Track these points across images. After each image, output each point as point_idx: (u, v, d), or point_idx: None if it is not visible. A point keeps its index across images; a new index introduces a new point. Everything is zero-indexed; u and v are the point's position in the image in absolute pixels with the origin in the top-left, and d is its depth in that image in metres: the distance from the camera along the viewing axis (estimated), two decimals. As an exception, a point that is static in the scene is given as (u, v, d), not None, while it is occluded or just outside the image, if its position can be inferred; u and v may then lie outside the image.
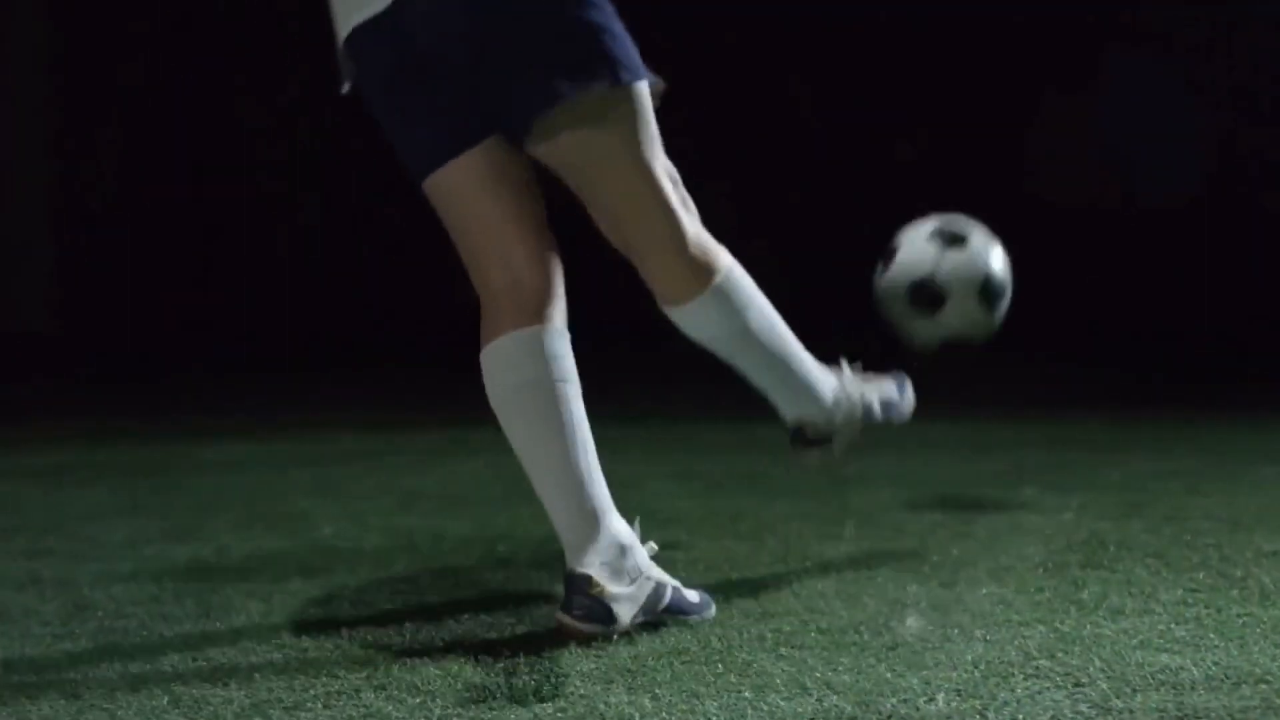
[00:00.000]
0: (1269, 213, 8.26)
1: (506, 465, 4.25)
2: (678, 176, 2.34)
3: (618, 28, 2.22)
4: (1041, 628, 2.18)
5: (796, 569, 2.68)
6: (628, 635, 2.21)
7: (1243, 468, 3.86)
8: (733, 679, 1.96)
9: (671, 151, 2.32)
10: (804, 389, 2.53)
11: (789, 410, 2.56)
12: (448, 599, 2.52)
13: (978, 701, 1.83)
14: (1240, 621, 2.18)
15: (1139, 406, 5.34)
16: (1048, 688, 1.89)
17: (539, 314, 2.27)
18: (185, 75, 9.71)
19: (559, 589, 2.55)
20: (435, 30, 2.19)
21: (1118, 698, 1.83)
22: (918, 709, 1.82)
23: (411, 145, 2.28)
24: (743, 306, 2.39)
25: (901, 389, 2.75)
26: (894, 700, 1.85)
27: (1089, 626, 2.18)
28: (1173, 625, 2.17)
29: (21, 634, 2.32)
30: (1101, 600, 2.34)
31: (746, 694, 1.90)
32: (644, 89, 2.24)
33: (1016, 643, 2.10)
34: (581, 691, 1.93)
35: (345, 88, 2.32)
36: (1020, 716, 1.78)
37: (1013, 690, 1.88)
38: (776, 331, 2.47)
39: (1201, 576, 2.49)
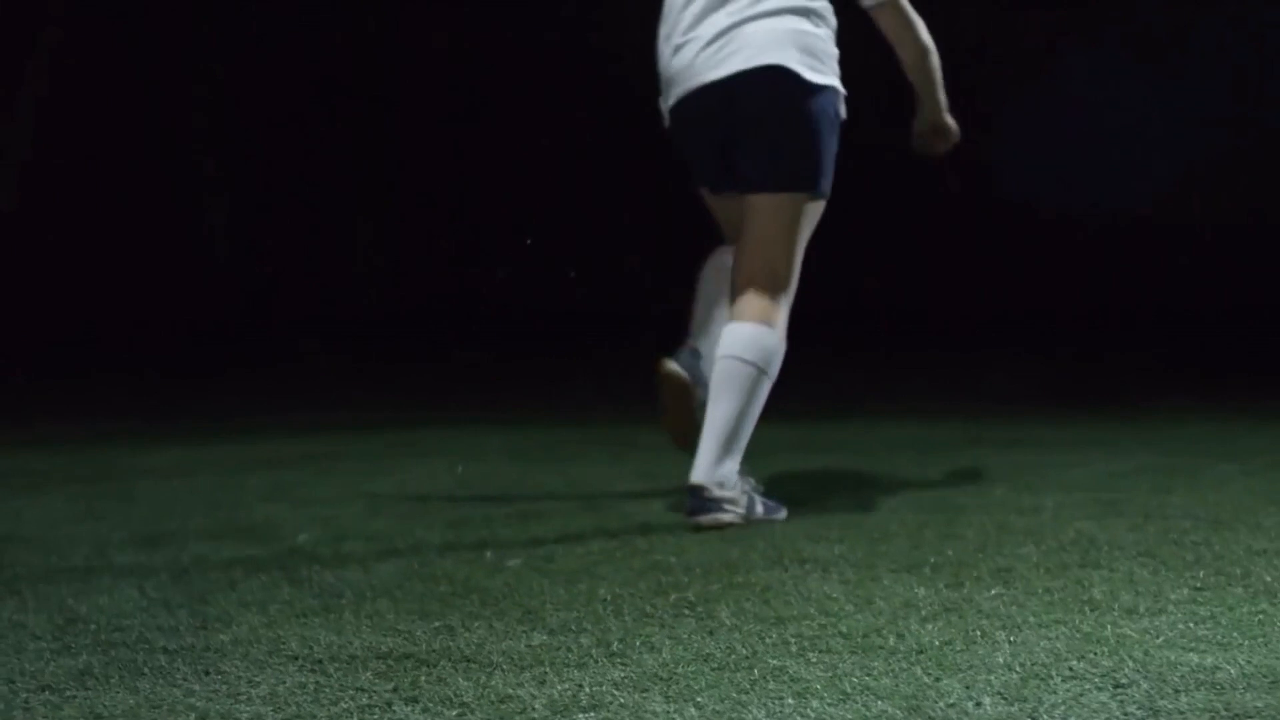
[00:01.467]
0: (1216, 221, 8.45)
1: (461, 469, 4.23)
2: None
3: (834, 151, 3.23)
4: (1062, 629, 2.19)
5: (796, 572, 2.66)
6: (649, 642, 2.18)
7: (1201, 465, 3.91)
8: (771, 685, 1.94)
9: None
10: (730, 463, 3.19)
11: (708, 471, 3.16)
12: (450, 606, 2.46)
13: (1026, 705, 1.83)
14: (1257, 620, 2.20)
15: (1081, 407, 5.41)
16: (1089, 689, 1.89)
17: None
18: (96, 73, 9.50)
19: (561, 595, 2.53)
20: (742, 108, 3.17)
21: (1162, 698, 1.84)
22: (967, 713, 1.81)
23: (698, 168, 3.33)
24: (770, 361, 3.19)
25: (780, 507, 3.36)
26: (941, 704, 1.84)
27: (1109, 627, 2.18)
28: (1191, 625, 2.18)
29: (16, 649, 2.24)
30: (1112, 600, 2.35)
31: (789, 700, 1.88)
32: (824, 203, 3.26)
33: (1043, 644, 2.10)
34: (620, 700, 1.89)
35: (666, 122, 3.33)
36: (1071, 718, 1.78)
37: (1054, 692, 1.88)
38: (756, 406, 3.20)
39: (1203, 575, 2.52)
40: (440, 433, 5.04)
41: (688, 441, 3.21)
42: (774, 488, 3.73)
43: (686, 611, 2.38)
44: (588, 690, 1.94)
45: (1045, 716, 1.79)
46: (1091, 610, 2.29)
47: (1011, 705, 1.83)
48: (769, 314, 3.19)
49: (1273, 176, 8.44)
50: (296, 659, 2.14)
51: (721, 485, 3.16)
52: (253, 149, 9.91)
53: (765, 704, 1.87)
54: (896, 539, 2.94)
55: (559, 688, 1.96)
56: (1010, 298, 8.09)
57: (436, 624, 2.33)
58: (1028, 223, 8.60)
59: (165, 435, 5.03)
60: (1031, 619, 2.25)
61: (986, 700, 1.85)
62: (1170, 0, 8.42)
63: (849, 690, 1.91)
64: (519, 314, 9.49)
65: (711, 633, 2.24)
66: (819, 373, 6.28)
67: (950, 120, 3.35)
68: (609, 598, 2.49)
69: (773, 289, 3.21)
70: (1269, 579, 2.46)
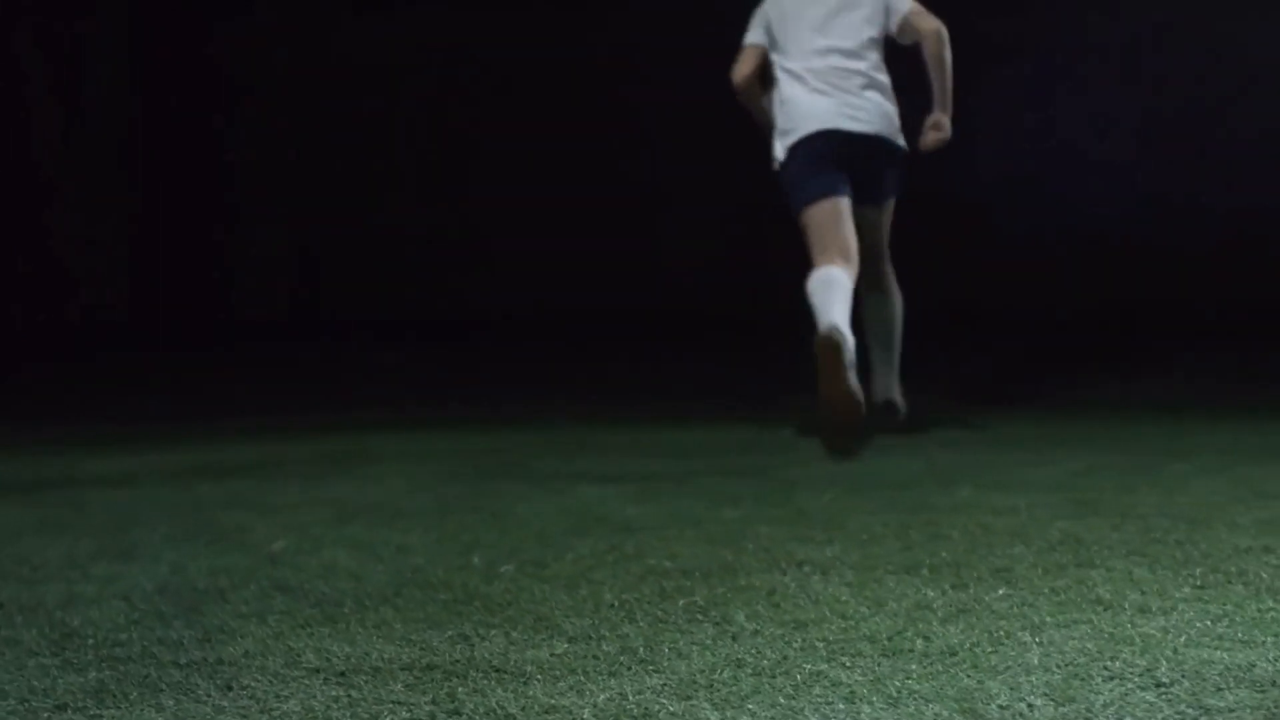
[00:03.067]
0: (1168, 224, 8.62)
1: (418, 474, 4.16)
2: None
3: None
4: (1085, 628, 2.20)
5: (796, 575, 2.65)
6: (675, 648, 2.16)
7: (1153, 463, 3.96)
8: (816, 691, 1.93)
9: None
10: (897, 381, 4.78)
11: (889, 391, 4.74)
12: (457, 614, 2.42)
13: (1076, 706, 1.84)
14: (1269, 617, 2.24)
15: (1024, 404, 5.48)
16: (1133, 689, 1.90)
17: (850, 270, 4.48)
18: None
19: (566, 601, 2.49)
20: (863, 146, 4.59)
21: (1208, 697, 1.86)
22: (1021, 714, 1.82)
23: (815, 183, 4.55)
24: (895, 311, 4.78)
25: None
26: (994, 707, 1.84)
27: (1129, 626, 2.21)
28: (1209, 623, 2.21)
29: (16, 665, 2.16)
30: (1122, 599, 2.38)
31: (840, 706, 1.87)
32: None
33: (1071, 644, 2.11)
34: (670, 709, 1.87)
35: (792, 144, 4.60)
36: (1127, 719, 1.79)
37: (1099, 693, 1.89)
38: (897, 338, 4.78)
39: (1200, 573, 2.55)
40: (387, 436, 4.97)
41: (844, 409, 4.16)
42: (736, 486, 3.73)
43: (700, 616, 2.36)
44: (632, 699, 1.92)
45: (1100, 717, 1.80)
46: (1105, 610, 2.31)
47: (1063, 706, 1.84)
48: (888, 283, 4.76)
49: (1217, 184, 8.67)
50: (318, 671, 2.09)
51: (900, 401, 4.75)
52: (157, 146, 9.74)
53: (818, 710, 1.86)
54: (885, 540, 2.95)
55: (601, 697, 1.93)
56: (959, 295, 8.20)
57: (450, 633, 2.29)
58: (979, 221, 8.73)
59: (104, 441, 4.90)
60: (1049, 619, 2.27)
61: (1038, 702, 1.86)
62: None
63: (895, 694, 1.91)
64: (455, 316, 9.41)
65: (734, 638, 2.22)
66: (772, 368, 6.31)
67: (947, 122, 4.64)
68: (616, 603, 2.47)
69: (884, 259, 4.76)
70: (1266, 576, 2.50)
